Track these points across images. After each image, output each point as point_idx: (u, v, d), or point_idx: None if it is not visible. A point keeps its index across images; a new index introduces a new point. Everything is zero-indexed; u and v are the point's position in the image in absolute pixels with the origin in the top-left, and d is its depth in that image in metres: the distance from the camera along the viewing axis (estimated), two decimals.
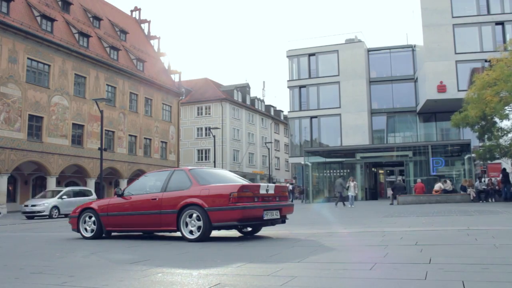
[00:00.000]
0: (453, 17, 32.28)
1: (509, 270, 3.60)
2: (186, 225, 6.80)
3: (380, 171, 37.13)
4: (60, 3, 33.45)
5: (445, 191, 22.11)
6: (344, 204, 20.84)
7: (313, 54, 40.22)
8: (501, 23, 32.24)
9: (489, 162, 27.81)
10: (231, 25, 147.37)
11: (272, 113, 63.01)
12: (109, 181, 36.81)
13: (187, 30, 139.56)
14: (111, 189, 35.93)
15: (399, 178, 26.52)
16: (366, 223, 9.72)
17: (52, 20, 29.80)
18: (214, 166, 36.44)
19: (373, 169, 34.33)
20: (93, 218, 7.94)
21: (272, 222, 7.09)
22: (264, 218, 6.73)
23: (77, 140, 30.96)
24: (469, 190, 21.89)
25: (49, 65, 28.90)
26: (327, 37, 65.15)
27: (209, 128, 41.33)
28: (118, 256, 5.68)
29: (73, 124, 30.54)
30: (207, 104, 50.41)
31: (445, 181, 23.09)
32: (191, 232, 6.74)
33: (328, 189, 31.94)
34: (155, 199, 7.23)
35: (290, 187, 32.94)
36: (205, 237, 6.62)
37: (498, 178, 23.76)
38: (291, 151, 41.76)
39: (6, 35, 25.93)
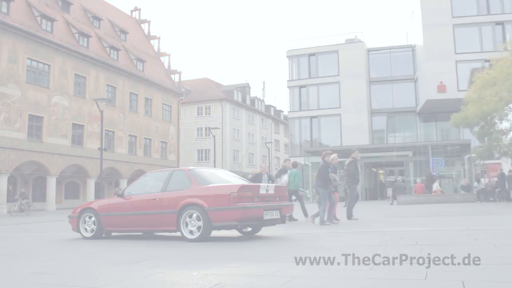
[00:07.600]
0: (453, 17, 32.26)
1: (509, 270, 3.60)
2: (186, 225, 6.80)
3: (380, 171, 37.10)
4: (60, 3, 33.43)
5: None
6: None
7: (313, 54, 40.19)
8: (501, 23, 32.22)
9: (488, 161, 27.77)
10: (231, 25, 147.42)
11: (272, 113, 62.96)
12: (109, 181, 36.80)
13: (187, 30, 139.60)
14: (111, 189, 35.91)
15: (399, 178, 26.50)
16: (366, 223, 9.71)
17: (52, 20, 29.78)
18: (214, 166, 36.42)
19: (373, 169, 34.32)
20: (93, 218, 7.94)
21: (272, 222, 7.10)
22: (264, 218, 6.73)
23: (77, 140, 30.94)
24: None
25: (49, 65, 28.88)
26: (327, 37, 64.76)
27: (209, 128, 41.26)
28: (118, 256, 5.68)
29: (73, 124, 30.53)
30: (207, 104, 50.38)
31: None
32: (191, 232, 6.74)
33: None
34: (155, 199, 7.23)
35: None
36: (205, 237, 6.62)
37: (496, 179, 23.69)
38: (291, 151, 41.70)
39: (6, 35, 25.92)
